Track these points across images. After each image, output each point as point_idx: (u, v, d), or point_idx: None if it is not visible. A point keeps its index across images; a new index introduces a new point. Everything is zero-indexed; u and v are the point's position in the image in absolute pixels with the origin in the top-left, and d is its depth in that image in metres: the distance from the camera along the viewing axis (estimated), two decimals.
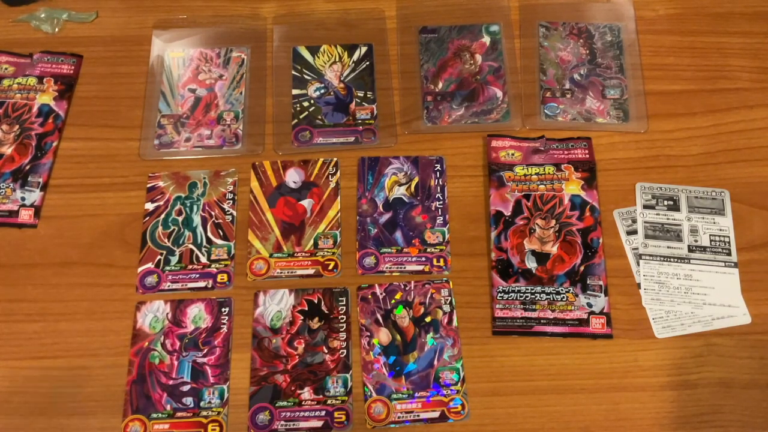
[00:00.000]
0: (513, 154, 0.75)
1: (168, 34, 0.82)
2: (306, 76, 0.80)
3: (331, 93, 0.79)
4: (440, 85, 0.79)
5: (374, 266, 0.70)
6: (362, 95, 0.78)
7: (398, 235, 0.72)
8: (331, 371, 0.66)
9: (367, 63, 0.80)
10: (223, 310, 0.68)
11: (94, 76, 0.80)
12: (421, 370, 0.66)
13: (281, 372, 0.66)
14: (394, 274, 0.70)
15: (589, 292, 0.68)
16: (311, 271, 0.70)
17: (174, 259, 0.70)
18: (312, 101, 0.78)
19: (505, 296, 0.68)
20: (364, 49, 0.81)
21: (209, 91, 0.79)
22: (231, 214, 0.73)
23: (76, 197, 0.74)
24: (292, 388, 0.65)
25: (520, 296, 0.68)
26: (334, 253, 0.71)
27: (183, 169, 0.75)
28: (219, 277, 0.70)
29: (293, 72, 0.80)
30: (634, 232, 0.71)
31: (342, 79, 0.79)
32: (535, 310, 0.68)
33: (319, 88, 0.79)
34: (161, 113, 0.78)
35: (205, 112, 0.78)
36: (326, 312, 0.68)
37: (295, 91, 0.79)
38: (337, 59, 0.80)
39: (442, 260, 0.70)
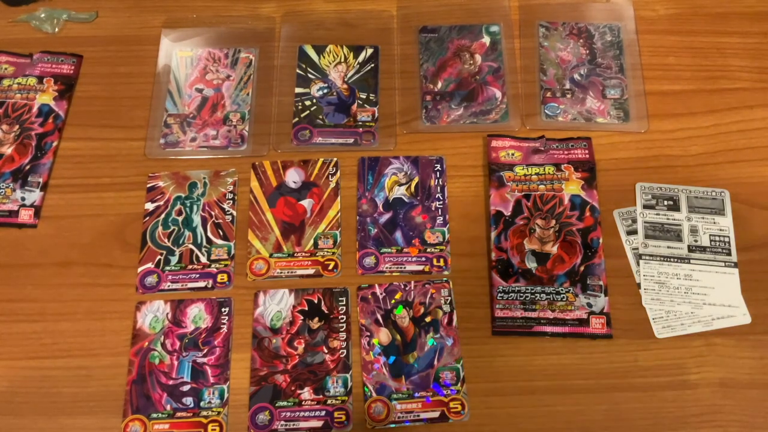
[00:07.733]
0: (513, 154, 0.75)
1: (176, 33, 0.82)
2: (310, 75, 0.80)
3: (334, 93, 0.79)
4: (439, 84, 0.79)
5: (374, 266, 0.70)
6: (365, 97, 0.78)
7: (398, 235, 0.72)
8: (331, 371, 0.66)
9: (372, 65, 0.80)
10: (223, 310, 0.68)
11: (94, 76, 0.80)
12: (421, 370, 0.66)
13: (281, 372, 0.66)
14: (394, 274, 0.70)
15: (589, 292, 0.68)
16: (311, 271, 0.70)
17: (174, 259, 0.70)
18: (314, 100, 0.78)
19: (505, 296, 0.68)
20: (369, 51, 0.81)
21: (216, 92, 0.79)
22: (231, 214, 0.73)
23: (76, 197, 0.74)
24: (292, 388, 0.65)
25: (520, 296, 0.68)
26: (334, 253, 0.71)
27: (186, 169, 0.75)
28: (219, 277, 0.70)
29: (298, 71, 0.80)
30: (634, 232, 0.71)
31: (346, 80, 0.79)
32: (535, 310, 0.68)
33: (322, 88, 0.79)
34: (168, 112, 0.78)
35: (211, 112, 0.78)
36: (326, 312, 0.68)
37: (298, 90, 0.79)
38: (343, 60, 0.80)
39: (442, 260, 0.70)
